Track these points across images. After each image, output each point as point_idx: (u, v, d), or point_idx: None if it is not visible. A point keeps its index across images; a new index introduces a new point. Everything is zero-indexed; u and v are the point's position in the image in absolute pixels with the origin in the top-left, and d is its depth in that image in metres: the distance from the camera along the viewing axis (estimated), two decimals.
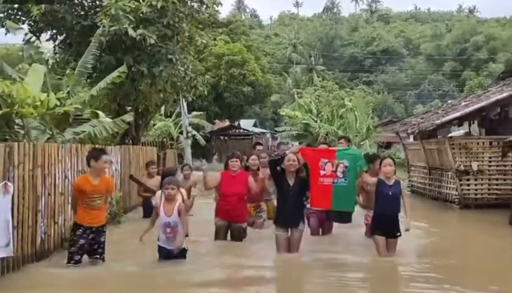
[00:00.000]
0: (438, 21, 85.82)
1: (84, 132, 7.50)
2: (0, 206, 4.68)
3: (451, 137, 11.24)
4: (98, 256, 5.26)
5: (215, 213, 6.39)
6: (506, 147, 8.93)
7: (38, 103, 6.51)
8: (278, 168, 5.65)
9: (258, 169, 6.87)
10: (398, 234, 5.60)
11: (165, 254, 5.30)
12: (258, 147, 8.32)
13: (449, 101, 21.56)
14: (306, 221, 6.31)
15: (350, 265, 5.67)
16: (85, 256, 5.26)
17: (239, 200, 6.27)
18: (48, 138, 7.05)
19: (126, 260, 5.56)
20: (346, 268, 5.50)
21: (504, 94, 10.45)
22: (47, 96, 6.76)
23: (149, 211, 6.78)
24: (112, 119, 8.87)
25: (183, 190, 5.98)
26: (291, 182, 5.62)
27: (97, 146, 7.00)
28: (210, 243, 6.34)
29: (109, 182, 5.48)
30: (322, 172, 5.51)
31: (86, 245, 5.17)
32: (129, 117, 8.53)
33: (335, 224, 7.05)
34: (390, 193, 5.50)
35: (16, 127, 6.82)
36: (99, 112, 8.08)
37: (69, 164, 6.26)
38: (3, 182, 4.75)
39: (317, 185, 5.54)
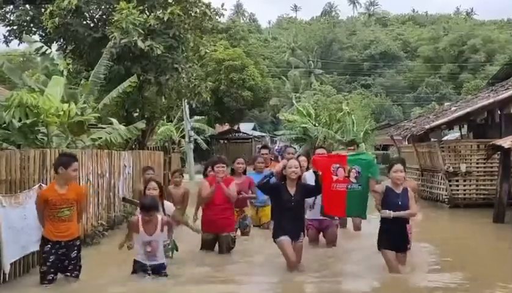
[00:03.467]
0: (436, 23, 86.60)
1: (100, 138, 8.16)
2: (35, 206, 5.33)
3: (441, 141, 11.91)
4: (68, 274, 4.79)
5: (201, 225, 6.04)
6: (489, 150, 9.60)
7: (61, 113, 7.17)
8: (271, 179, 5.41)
9: (245, 173, 6.77)
10: (409, 246, 5.34)
11: (142, 269, 4.92)
12: (264, 150, 8.14)
13: (446, 104, 22.24)
14: (306, 231, 6.12)
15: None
16: None
17: (226, 208, 5.95)
18: (68, 145, 7.71)
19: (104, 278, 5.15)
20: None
21: (490, 100, 11.14)
22: (69, 106, 7.41)
23: None
24: (122, 125, 9.57)
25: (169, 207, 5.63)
26: (292, 191, 5.30)
27: (113, 150, 7.67)
28: (193, 255, 5.99)
29: (78, 190, 4.98)
30: (334, 177, 5.29)
31: (57, 261, 4.72)
32: (141, 124, 9.20)
33: (343, 235, 6.81)
34: (400, 203, 5.08)
35: (40, 135, 7.48)
36: (114, 120, 8.74)
37: (91, 168, 6.93)
38: (39, 184, 5.43)
39: (330, 192, 5.30)
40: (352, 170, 5.26)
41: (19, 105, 6.71)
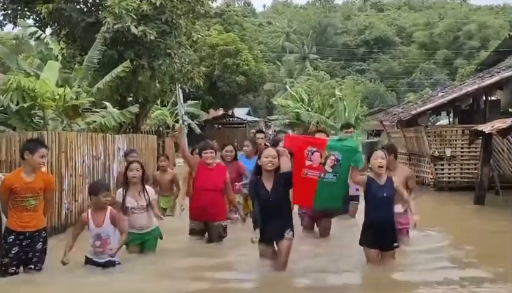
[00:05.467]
0: (432, 8, 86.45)
1: (95, 122, 8.42)
2: None
3: (427, 126, 12.24)
4: (32, 266, 4.47)
5: (189, 213, 5.60)
6: (472, 135, 9.94)
7: (57, 97, 7.41)
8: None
9: (235, 159, 6.42)
10: (395, 244, 4.65)
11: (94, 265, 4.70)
12: (259, 135, 7.55)
13: (438, 89, 22.62)
14: (300, 220, 5.87)
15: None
16: None
17: (216, 196, 5.46)
18: (64, 128, 7.97)
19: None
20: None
21: (475, 87, 11.46)
22: (64, 90, 7.65)
23: None
24: (116, 109, 9.82)
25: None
26: (269, 185, 4.52)
27: (107, 134, 7.93)
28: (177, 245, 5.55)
29: (47, 179, 4.58)
30: (307, 162, 4.56)
31: (21, 253, 4.42)
32: (134, 108, 9.46)
33: (338, 225, 6.24)
34: (384, 195, 4.54)
35: (36, 118, 7.73)
36: (108, 104, 8.98)
37: (86, 150, 7.20)
38: None
39: (300, 178, 4.57)
40: (330, 157, 4.53)
41: (16, 89, 6.95)
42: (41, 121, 7.63)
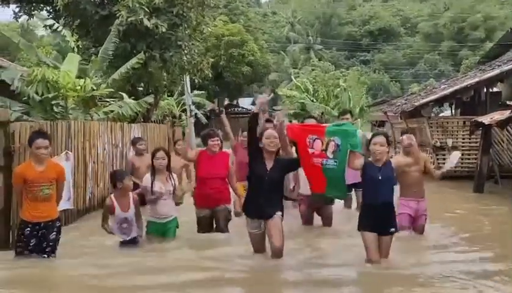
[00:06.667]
0: None
1: (112, 111, 8.86)
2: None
3: (429, 117, 12.62)
4: (45, 256, 4.57)
5: (195, 202, 5.67)
6: (472, 126, 10.33)
7: (78, 87, 7.85)
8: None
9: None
10: (392, 229, 4.54)
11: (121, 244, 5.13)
12: (268, 124, 7.01)
13: (443, 81, 22.90)
14: (298, 206, 5.90)
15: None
16: None
17: (221, 183, 5.53)
18: (85, 117, 8.42)
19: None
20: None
21: (476, 79, 11.81)
22: (84, 81, 8.08)
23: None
24: (132, 99, 10.25)
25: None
26: (269, 165, 4.58)
27: (124, 123, 8.36)
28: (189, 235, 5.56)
29: (58, 169, 4.67)
30: (310, 150, 4.58)
31: (37, 244, 4.52)
32: (150, 98, 9.90)
33: (340, 215, 6.16)
34: (380, 178, 4.45)
35: (58, 108, 8.18)
36: (123, 94, 9.41)
37: (106, 138, 7.65)
38: (65, 151, 6.17)
39: (310, 165, 4.62)
40: (331, 142, 4.51)
41: (41, 81, 7.38)
42: (64, 111, 8.06)
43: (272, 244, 4.51)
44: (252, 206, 4.57)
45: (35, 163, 4.43)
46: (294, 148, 4.85)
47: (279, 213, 4.55)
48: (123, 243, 5.11)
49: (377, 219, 4.43)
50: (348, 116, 6.47)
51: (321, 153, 4.54)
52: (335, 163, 4.49)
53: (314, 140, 4.56)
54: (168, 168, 5.31)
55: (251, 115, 4.65)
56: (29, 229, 4.46)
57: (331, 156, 4.50)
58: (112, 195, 5.08)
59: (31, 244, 4.47)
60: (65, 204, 6.11)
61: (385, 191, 4.49)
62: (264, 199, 4.50)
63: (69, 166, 6.18)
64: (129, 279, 4.29)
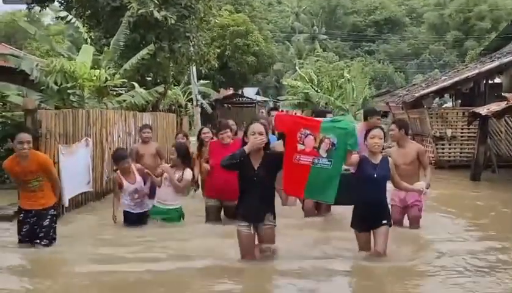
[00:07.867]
0: None
1: (125, 100, 9.31)
2: (84, 154, 6.57)
3: (429, 108, 12.98)
4: (38, 241, 4.70)
5: (205, 191, 5.65)
6: (470, 116, 10.70)
7: (94, 78, 8.29)
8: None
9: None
10: (384, 221, 4.36)
11: (132, 220, 5.44)
12: (273, 112, 7.06)
13: (448, 72, 23.15)
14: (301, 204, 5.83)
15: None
16: None
17: (232, 174, 4.78)
18: (101, 106, 8.86)
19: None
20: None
21: (476, 71, 12.15)
22: (99, 72, 8.52)
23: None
24: (143, 89, 10.67)
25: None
26: (256, 164, 4.12)
27: (136, 111, 8.78)
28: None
29: (40, 161, 4.65)
30: (300, 146, 4.10)
31: (31, 230, 4.72)
32: (160, 88, 10.32)
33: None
34: (375, 175, 4.31)
35: (74, 97, 8.63)
36: (135, 84, 9.84)
37: (121, 126, 8.11)
38: (85, 138, 6.63)
39: (291, 164, 4.11)
40: (325, 140, 4.10)
41: (59, 71, 7.83)
42: (80, 100, 8.51)
43: (261, 248, 4.27)
44: (242, 207, 4.19)
45: (20, 158, 4.52)
46: (282, 142, 4.50)
47: (271, 218, 4.20)
48: (130, 222, 5.44)
49: (369, 217, 4.33)
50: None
51: (312, 151, 4.10)
52: (329, 163, 4.10)
53: (306, 136, 4.11)
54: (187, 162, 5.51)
55: (240, 155, 4.06)
56: (22, 215, 4.72)
57: (324, 155, 4.09)
58: (118, 171, 5.50)
59: (23, 230, 4.69)
60: (85, 187, 6.60)
61: (378, 189, 4.37)
62: (254, 202, 4.11)
63: (89, 151, 6.64)
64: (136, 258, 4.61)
